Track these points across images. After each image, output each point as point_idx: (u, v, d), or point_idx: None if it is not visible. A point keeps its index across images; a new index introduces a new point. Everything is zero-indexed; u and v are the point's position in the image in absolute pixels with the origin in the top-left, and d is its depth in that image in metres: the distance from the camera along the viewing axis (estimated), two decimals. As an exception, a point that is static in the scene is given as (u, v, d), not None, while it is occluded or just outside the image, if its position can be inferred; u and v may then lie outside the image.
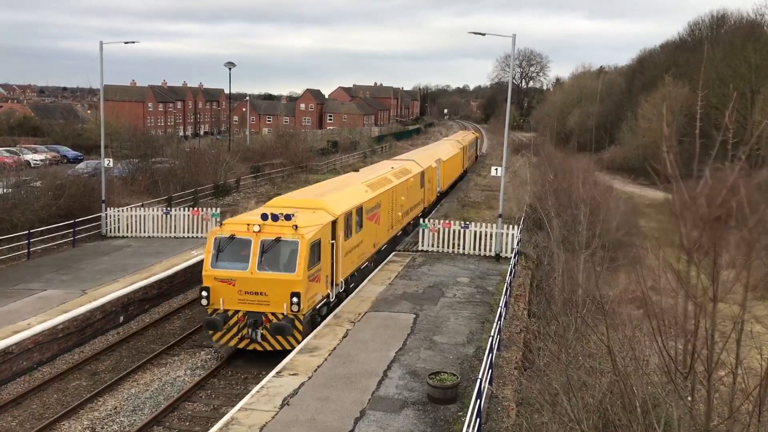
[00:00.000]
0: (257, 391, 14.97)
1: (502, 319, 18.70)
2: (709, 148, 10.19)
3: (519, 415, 14.11)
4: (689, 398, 9.78)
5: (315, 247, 18.65)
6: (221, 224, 19.17)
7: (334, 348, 17.52)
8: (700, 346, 9.27)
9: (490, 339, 15.72)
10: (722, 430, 9.58)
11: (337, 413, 13.87)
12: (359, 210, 23.14)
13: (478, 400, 12.76)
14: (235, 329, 18.36)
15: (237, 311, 18.24)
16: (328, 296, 20.12)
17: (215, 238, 18.63)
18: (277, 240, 18.13)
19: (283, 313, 17.92)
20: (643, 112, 67.43)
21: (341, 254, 21.00)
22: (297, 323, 18.07)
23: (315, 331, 18.77)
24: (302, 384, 15.29)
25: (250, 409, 14.09)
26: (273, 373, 15.99)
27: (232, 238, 18.49)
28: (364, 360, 16.72)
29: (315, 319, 19.30)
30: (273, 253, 18.21)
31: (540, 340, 17.46)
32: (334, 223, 20.26)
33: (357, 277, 23.43)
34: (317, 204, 20.94)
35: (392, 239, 29.07)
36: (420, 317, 20.15)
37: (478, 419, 12.69)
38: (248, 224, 18.51)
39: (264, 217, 18.53)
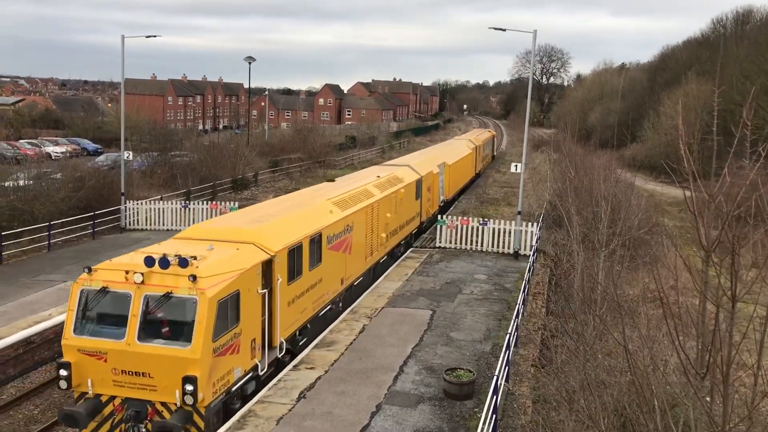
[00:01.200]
0: (274, 384, 15.05)
1: (520, 316, 18.64)
2: (732, 146, 10.08)
3: (535, 413, 14.08)
4: (707, 399, 9.68)
5: (228, 306, 13.09)
6: (89, 270, 13.20)
7: (351, 343, 17.56)
8: (718, 346, 9.18)
9: (508, 336, 15.69)
10: (741, 430, 9.49)
11: (354, 407, 13.91)
12: (316, 239, 17.62)
13: (495, 397, 12.74)
14: (109, 424, 12.94)
15: (113, 397, 12.85)
16: (255, 368, 14.53)
17: (81, 291, 13.04)
18: (167, 296, 12.61)
19: (175, 403, 12.50)
20: (665, 109, 66.85)
21: (281, 305, 15.41)
22: (196, 418, 12.59)
23: (331, 326, 18.80)
24: (319, 378, 15.35)
25: (267, 402, 14.16)
26: (290, 366, 16.06)
27: (104, 291, 12.94)
28: (381, 355, 16.75)
29: (232, 403, 13.73)
30: (161, 315, 12.74)
31: (558, 338, 17.41)
32: (268, 263, 14.85)
33: (311, 329, 17.84)
34: (246, 235, 15.25)
35: (373, 267, 23.58)
36: (437, 313, 20.14)
37: (494, 415, 12.67)
38: (127, 271, 12.89)
39: (149, 261, 12.82)
